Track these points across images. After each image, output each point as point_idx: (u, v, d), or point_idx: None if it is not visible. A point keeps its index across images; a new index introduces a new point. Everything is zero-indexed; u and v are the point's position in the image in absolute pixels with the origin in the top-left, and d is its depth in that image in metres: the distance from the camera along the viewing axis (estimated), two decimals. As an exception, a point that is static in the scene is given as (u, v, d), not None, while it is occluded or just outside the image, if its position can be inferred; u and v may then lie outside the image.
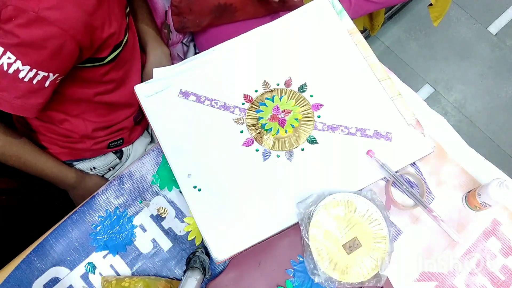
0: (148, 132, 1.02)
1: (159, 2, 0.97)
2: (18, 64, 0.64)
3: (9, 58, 0.64)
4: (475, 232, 0.69)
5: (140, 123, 0.95)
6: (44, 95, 0.70)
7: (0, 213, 1.02)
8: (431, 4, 1.10)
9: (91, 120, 0.84)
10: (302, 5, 0.80)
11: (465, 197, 0.70)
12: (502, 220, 0.70)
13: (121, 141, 0.92)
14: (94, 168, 0.92)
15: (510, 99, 1.60)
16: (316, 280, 0.63)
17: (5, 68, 0.64)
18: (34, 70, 0.66)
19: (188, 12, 0.90)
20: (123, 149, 0.95)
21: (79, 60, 0.70)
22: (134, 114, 0.91)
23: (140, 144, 0.99)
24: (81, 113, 0.82)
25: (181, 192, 0.69)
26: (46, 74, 0.67)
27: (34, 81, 0.67)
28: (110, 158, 0.94)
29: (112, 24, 0.72)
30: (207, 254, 0.65)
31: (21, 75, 0.66)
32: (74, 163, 0.90)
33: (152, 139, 1.03)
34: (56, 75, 0.68)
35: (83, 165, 0.91)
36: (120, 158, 0.95)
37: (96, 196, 0.73)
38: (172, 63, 1.01)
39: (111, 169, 0.97)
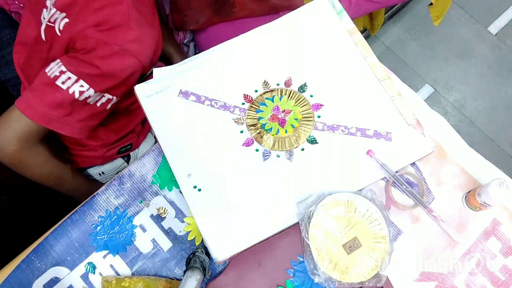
0: (152, 133, 1.02)
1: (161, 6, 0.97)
2: (91, 92, 0.66)
3: (81, 86, 0.65)
4: (475, 232, 0.69)
5: (144, 125, 0.96)
6: (102, 117, 0.72)
7: (0, 213, 1.03)
8: (431, 4, 1.10)
9: (112, 128, 0.85)
10: (302, 4, 0.80)
11: (465, 197, 0.70)
12: (502, 220, 0.70)
13: (130, 146, 0.92)
14: (103, 173, 0.92)
15: (510, 99, 1.60)
16: (316, 280, 0.63)
17: (77, 95, 0.66)
18: (101, 94, 0.68)
19: (187, 7, 0.91)
20: (131, 153, 0.95)
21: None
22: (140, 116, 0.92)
23: (145, 146, 0.99)
24: (107, 122, 0.82)
25: (181, 192, 0.69)
26: (111, 97, 0.69)
27: (98, 104, 0.69)
28: (118, 162, 0.94)
29: (161, 46, 0.74)
30: (207, 254, 0.65)
31: (89, 100, 0.68)
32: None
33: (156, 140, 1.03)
34: (119, 98, 0.70)
35: (93, 171, 0.91)
36: (127, 162, 0.95)
37: (96, 196, 0.73)
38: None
39: (118, 173, 0.97)
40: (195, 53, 1.09)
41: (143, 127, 0.95)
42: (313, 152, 0.70)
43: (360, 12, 1.00)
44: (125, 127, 0.87)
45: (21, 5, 0.93)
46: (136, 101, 0.80)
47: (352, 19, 0.77)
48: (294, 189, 0.67)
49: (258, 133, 0.71)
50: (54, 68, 0.65)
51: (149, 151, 0.75)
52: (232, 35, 0.77)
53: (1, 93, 0.99)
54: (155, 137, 1.01)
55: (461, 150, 0.73)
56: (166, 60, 0.97)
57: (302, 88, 0.74)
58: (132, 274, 0.69)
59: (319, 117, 0.72)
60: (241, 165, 0.69)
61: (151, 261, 0.70)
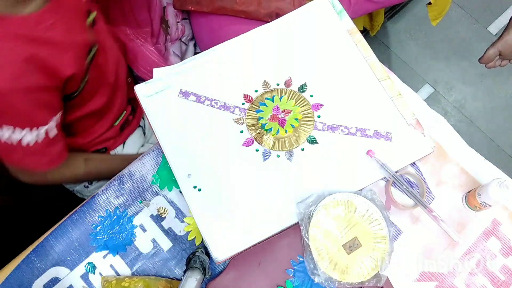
0: (144, 134, 1.01)
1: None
2: (18, 132, 0.64)
3: (7, 129, 0.63)
4: (475, 232, 0.69)
5: (124, 128, 0.93)
6: (57, 142, 0.71)
7: (0, 213, 1.03)
8: (430, 3, 1.10)
9: (75, 136, 0.84)
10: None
11: (465, 197, 0.70)
12: (502, 220, 0.70)
13: (104, 150, 0.90)
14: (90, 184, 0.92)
15: (510, 99, 1.60)
16: (316, 280, 0.63)
17: (14, 142, 0.65)
18: (30, 129, 0.65)
19: None
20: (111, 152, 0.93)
21: (60, 103, 0.70)
22: (121, 120, 0.90)
23: (131, 146, 0.96)
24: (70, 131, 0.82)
25: (181, 192, 0.69)
26: (43, 128, 0.66)
27: (39, 141, 0.67)
28: None
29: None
30: (207, 254, 0.65)
31: (25, 141, 0.66)
32: None
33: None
34: (51, 123, 0.67)
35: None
36: None
37: (96, 196, 0.73)
38: (169, 60, 1.00)
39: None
40: (195, 53, 1.09)
41: (122, 131, 0.92)
42: (313, 152, 0.70)
43: (360, 12, 1.00)
44: (89, 134, 0.86)
45: None
46: (94, 111, 0.79)
47: (352, 19, 0.77)
48: (294, 189, 0.67)
49: (258, 133, 0.71)
50: None
51: (149, 151, 0.75)
52: (233, 35, 0.77)
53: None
54: (144, 132, 1.00)
55: (461, 150, 0.73)
56: None
57: (302, 88, 0.74)
58: (132, 274, 0.69)
59: (319, 117, 0.72)
60: (241, 165, 0.69)
61: (151, 261, 0.70)
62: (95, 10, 0.74)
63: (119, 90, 0.85)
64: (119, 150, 0.93)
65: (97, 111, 0.80)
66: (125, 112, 0.90)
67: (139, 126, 0.98)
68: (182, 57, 1.05)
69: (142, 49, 0.94)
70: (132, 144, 0.96)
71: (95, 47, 0.72)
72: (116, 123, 0.89)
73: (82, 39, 0.69)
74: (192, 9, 0.94)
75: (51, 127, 0.68)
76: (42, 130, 0.66)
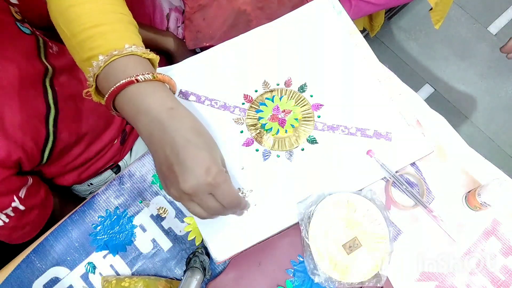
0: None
1: (159, 6, 0.96)
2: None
3: None
4: (475, 232, 0.69)
5: (125, 140, 0.91)
6: (25, 215, 0.68)
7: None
8: (431, 9, 1.10)
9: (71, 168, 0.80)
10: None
11: (465, 197, 0.70)
12: (502, 220, 0.70)
13: (111, 164, 0.89)
14: (91, 184, 0.89)
15: (510, 99, 1.60)
16: (316, 280, 0.63)
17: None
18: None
19: (201, 22, 0.87)
20: (120, 164, 0.92)
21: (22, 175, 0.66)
22: (119, 135, 0.86)
23: (141, 151, 0.95)
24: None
25: (181, 192, 0.69)
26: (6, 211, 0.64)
27: (7, 220, 0.65)
28: (107, 174, 0.91)
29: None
30: (207, 254, 0.65)
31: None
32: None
33: None
34: (14, 199, 0.64)
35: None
36: (117, 173, 0.92)
37: (96, 196, 0.73)
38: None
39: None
40: (195, 53, 1.09)
41: (124, 144, 0.90)
42: (313, 152, 0.70)
43: (360, 13, 1.00)
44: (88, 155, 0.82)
45: None
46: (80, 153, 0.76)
47: (352, 20, 0.77)
48: (294, 189, 0.67)
49: (258, 133, 0.71)
50: None
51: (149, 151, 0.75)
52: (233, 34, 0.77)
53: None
54: None
55: (461, 150, 0.73)
56: (167, 55, 0.95)
57: (302, 88, 0.74)
58: (132, 274, 0.69)
59: (319, 117, 0.72)
60: (241, 165, 0.69)
61: (151, 261, 0.70)
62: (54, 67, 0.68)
63: (112, 124, 0.81)
64: (127, 159, 0.93)
65: (85, 149, 0.77)
66: (125, 130, 0.88)
67: None
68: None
69: None
70: (140, 150, 0.95)
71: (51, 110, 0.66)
72: (115, 142, 0.86)
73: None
74: (207, 45, 0.90)
75: (17, 204, 0.65)
76: (5, 212, 0.64)
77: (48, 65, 0.67)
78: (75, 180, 0.82)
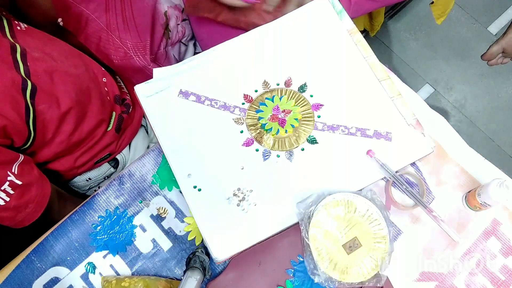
0: (147, 133, 1.01)
1: (158, 2, 0.96)
2: None
3: None
4: (475, 232, 0.69)
5: (122, 130, 0.90)
6: (25, 192, 0.68)
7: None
8: (432, 2, 1.10)
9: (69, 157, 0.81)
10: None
11: (465, 197, 0.70)
12: (502, 220, 0.70)
13: (108, 155, 0.88)
14: (90, 179, 0.89)
15: (510, 99, 1.60)
16: (316, 280, 0.63)
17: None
18: None
19: None
20: (118, 158, 0.91)
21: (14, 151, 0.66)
22: (113, 125, 0.85)
23: (140, 147, 0.95)
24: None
25: (181, 192, 0.69)
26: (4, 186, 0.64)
27: (7, 199, 0.65)
28: (104, 168, 0.90)
29: None
30: (207, 254, 0.65)
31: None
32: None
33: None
34: (10, 175, 0.65)
35: (78, 178, 0.88)
36: (115, 167, 0.92)
37: (96, 196, 0.73)
38: (169, 65, 0.99)
39: (106, 178, 0.93)
40: (194, 53, 1.09)
41: (120, 132, 0.89)
42: (313, 152, 0.70)
43: (360, 11, 1.00)
44: (85, 153, 0.83)
45: None
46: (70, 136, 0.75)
47: (352, 18, 0.77)
48: (294, 189, 0.67)
49: (258, 133, 0.71)
50: None
51: (149, 151, 0.75)
52: (233, 35, 0.77)
53: None
54: (147, 131, 1.00)
55: (461, 150, 0.73)
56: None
57: (302, 88, 0.74)
58: (132, 274, 0.69)
59: (319, 117, 0.72)
60: (241, 165, 0.69)
61: (151, 261, 0.70)
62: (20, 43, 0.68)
63: (94, 98, 0.80)
64: (125, 154, 0.93)
65: (75, 134, 0.77)
66: (114, 113, 0.87)
67: (142, 126, 0.98)
68: (181, 58, 1.05)
69: (142, 68, 0.92)
70: (140, 145, 0.95)
71: (28, 85, 0.66)
72: (109, 128, 0.85)
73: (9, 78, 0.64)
74: (204, 15, 0.89)
75: (13, 178, 0.65)
76: (3, 188, 0.64)
77: (16, 43, 0.68)
78: (71, 165, 0.82)
